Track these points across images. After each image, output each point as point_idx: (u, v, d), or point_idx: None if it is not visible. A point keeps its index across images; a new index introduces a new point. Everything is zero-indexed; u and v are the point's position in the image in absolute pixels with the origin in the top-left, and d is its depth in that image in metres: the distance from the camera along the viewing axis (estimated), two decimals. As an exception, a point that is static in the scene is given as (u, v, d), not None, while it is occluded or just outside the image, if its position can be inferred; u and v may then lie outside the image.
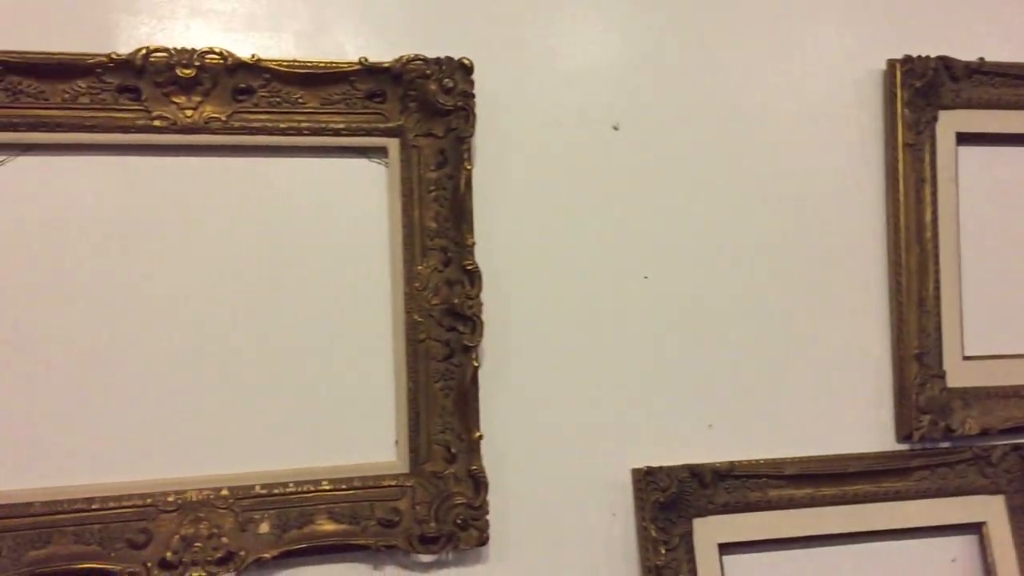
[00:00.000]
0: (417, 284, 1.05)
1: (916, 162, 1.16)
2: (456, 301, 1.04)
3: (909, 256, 1.15)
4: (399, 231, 1.06)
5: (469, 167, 1.04)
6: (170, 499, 0.99)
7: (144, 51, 0.98)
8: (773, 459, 1.13)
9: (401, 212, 1.06)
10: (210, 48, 0.99)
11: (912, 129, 1.15)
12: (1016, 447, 1.18)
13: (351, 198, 1.06)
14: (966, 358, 1.18)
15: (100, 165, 1.00)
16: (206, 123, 1.00)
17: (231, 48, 1.00)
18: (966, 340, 1.18)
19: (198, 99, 1.00)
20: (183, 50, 0.99)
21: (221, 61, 0.99)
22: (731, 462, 1.12)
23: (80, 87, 0.97)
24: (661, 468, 1.09)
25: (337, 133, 1.04)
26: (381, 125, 1.05)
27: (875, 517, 1.14)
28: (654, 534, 1.06)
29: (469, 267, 1.04)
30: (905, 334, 1.15)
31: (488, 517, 1.04)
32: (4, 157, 0.97)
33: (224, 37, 1.03)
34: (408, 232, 1.06)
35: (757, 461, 1.12)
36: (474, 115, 1.05)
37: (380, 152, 1.06)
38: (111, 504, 0.98)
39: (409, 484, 1.05)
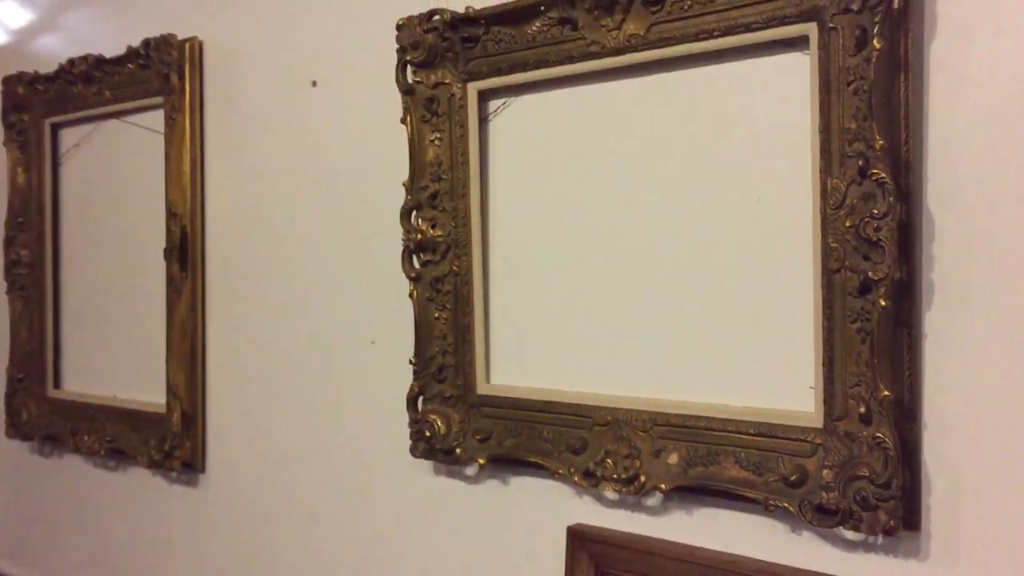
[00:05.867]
0: (832, 201, 0.85)
1: None
2: (864, 221, 0.83)
3: None
4: (817, 135, 0.86)
5: (878, 45, 0.81)
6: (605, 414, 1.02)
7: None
8: None
9: (818, 112, 0.86)
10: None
11: None
12: None
13: (774, 100, 0.90)
14: None
15: (566, 97, 1.06)
16: (628, 41, 0.98)
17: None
18: None
19: (620, 17, 0.98)
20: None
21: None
22: None
23: (534, 28, 1.05)
24: None
25: (749, 28, 0.90)
26: (793, 10, 0.86)
27: None
28: None
29: (876, 177, 0.82)
30: None
31: (900, 501, 0.82)
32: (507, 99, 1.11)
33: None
34: (825, 136, 0.86)
35: None
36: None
37: (800, 42, 0.87)
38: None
39: (819, 441, 0.88)
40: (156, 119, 1.49)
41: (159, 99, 1.47)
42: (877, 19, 0.81)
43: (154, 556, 1.55)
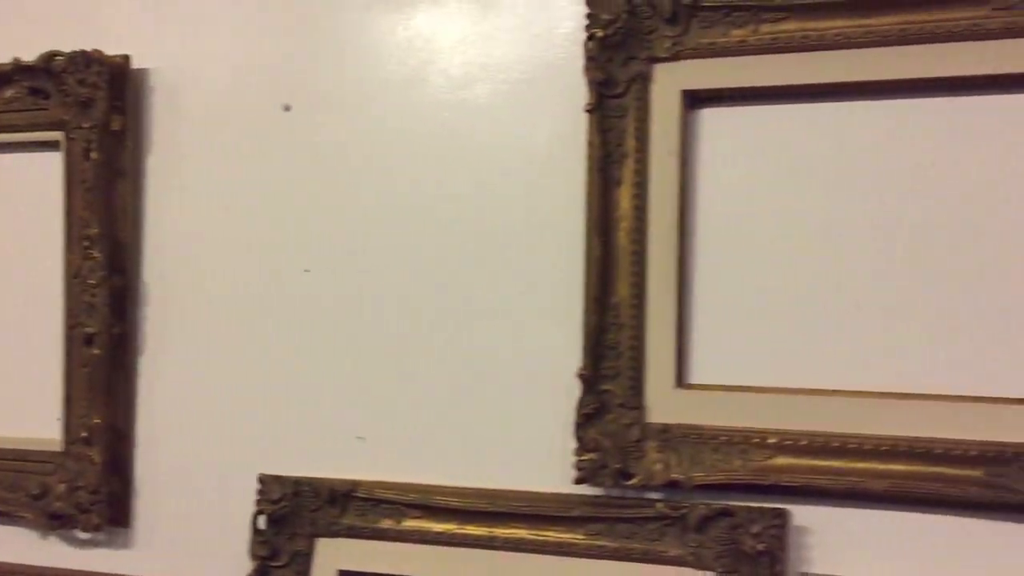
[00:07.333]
0: (72, 272, 1.09)
1: (608, 133, 0.91)
2: (87, 288, 1.09)
3: (590, 253, 0.91)
4: (64, 220, 1.10)
5: (96, 156, 1.07)
6: None
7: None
8: (404, 483, 0.99)
9: (65, 202, 1.10)
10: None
11: (602, 91, 0.91)
12: (725, 511, 0.88)
13: (41, 188, 1.13)
14: (685, 386, 0.91)
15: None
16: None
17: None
18: (690, 364, 0.92)
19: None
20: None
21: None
22: (354, 481, 0.99)
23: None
24: (277, 478, 1.01)
25: (18, 129, 1.12)
26: (45, 120, 1.10)
27: (530, 570, 0.94)
28: (259, 550, 1.01)
29: (93, 256, 1.08)
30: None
31: (107, 505, 1.07)
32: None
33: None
34: (69, 221, 1.10)
35: (384, 483, 0.99)
36: (117, 106, 1.08)
37: (56, 145, 1.11)
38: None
39: (60, 462, 1.10)
40: None
41: None
42: (95, 137, 1.08)
43: None
